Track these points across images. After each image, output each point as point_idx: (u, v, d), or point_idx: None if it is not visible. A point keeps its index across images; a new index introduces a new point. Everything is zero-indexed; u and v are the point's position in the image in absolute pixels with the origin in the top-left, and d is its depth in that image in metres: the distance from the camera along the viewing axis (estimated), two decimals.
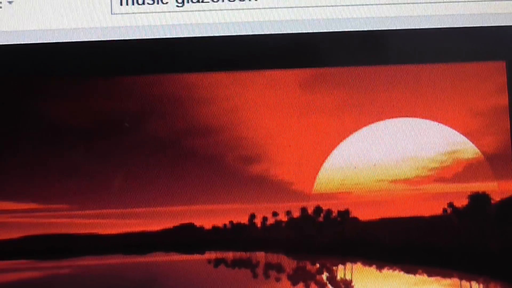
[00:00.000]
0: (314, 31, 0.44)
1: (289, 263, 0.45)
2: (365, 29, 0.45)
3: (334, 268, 0.45)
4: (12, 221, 0.43)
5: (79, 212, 0.44)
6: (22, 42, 0.43)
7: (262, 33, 0.44)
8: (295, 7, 0.44)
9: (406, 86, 0.45)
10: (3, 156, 0.44)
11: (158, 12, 0.44)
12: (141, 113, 0.44)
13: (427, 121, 0.45)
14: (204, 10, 0.44)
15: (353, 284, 0.45)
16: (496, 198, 0.45)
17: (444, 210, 0.45)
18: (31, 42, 0.43)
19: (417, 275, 0.45)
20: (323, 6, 0.44)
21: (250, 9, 0.44)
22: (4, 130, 0.44)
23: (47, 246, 0.44)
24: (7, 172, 0.44)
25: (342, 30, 0.45)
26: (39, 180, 0.44)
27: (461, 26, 0.45)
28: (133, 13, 0.44)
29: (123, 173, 0.44)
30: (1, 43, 0.43)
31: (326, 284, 0.45)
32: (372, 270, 0.45)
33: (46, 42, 0.44)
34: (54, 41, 0.43)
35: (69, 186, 0.44)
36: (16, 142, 0.44)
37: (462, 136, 0.45)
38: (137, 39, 0.44)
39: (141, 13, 0.44)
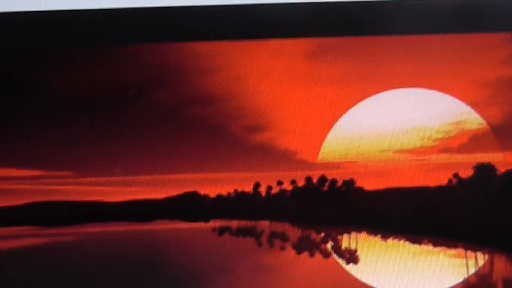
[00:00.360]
0: (319, 0, 0.45)
1: (294, 232, 0.45)
2: None
3: (339, 237, 0.45)
4: (17, 188, 0.44)
5: (84, 179, 0.44)
6: (24, 10, 0.44)
7: (267, 2, 0.45)
8: None
9: (412, 56, 0.45)
10: (9, 124, 0.44)
11: None
12: (146, 81, 0.45)
13: (433, 92, 0.45)
14: None
15: (358, 253, 0.45)
16: (501, 169, 0.45)
17: (449, 181, 0.45)
18: (34, 10, 0.44)
19: (422, 245, 0.45)
20: None
21: None
22: (11, 99, 0.44)
23: (52, 213, 0.44)
24: (13, 139, 0.44)
25: None
26: (44, 147, 0.44)
27: None
28: None
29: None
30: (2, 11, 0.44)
31: (331, 253, 0.45)
32: (377, 240, 0.45)
33: (50, 9, 0.44)
34: (58, 9, 0.44)
35: (74, 154, 0.44)
36: (22, 111, 0.44)
37: (467, 106, 0.45)
38: (142, 8, 0.44)
39: None
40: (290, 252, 0.45)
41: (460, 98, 0.45)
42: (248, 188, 0.45)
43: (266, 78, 0.45)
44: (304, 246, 0.45)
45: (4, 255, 0.44)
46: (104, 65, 0.44)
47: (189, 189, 0.44)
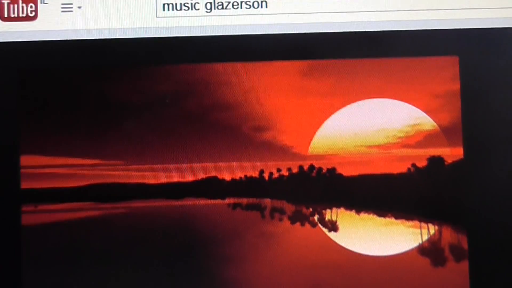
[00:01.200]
0: (311, 31, 0.52)
1: (289, 207, 0.51)
2: (349, 30, 0.52)
3: (323, 211, 0.51)
4: (81, 173, 0.51)
5: (131, 166, 0.50)
6: (89, 38, 0.52)
7: (272, 32, 0.51)
8: (297, 13, 0.52)
9: (382, 74, 0.51)
10: (75, 125, 0.52)
11: (192, 16, 0.51)
12: (179, 92, 0.51)
13: (397, 101, 0.51)
14: (227, 15, 0.51)
15: (337, 223, 0.51)
16: (448, 160, 0.51)
17: (408, 169, 0.50)
18: (96, 38, 0.52)
19: (387, 218, 0.51)
20: (317, 13, 0.52)
21: (263, 14, 0.51)
22: (80, 107, 0.52)
23: (107, 192, 0.50)
24: (78, 136, 0.52)
25: (332, 31, 0.52)
26: (102, 142, 0.51)
27: (425, 28, 0.52)
28: (173, 16, 0.52)
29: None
30: (73, 38, 0.52)
31: (317, 224, 0.51)
32: (352, 213, 0.51)
33: (107, 38, 0.52)
34: (114, 37, 0.52)
35: (124, 147, 0.51)
36: (87, 116, 0.52)
37: (423, 112, 0.51)
38: (175, 37, 0.52)
39: (179, 17, 0.52)
40: (286, 223, 0.51)
41: (417, 106, 0.51)
42: (255, 174, 0.50)
43: (270, 90, 0.51)
44: (296, 218, 0.51)
45: (70, 224, 0.52)
46: (147, 80, 0.51)
47: (211, 174, 0.50)
